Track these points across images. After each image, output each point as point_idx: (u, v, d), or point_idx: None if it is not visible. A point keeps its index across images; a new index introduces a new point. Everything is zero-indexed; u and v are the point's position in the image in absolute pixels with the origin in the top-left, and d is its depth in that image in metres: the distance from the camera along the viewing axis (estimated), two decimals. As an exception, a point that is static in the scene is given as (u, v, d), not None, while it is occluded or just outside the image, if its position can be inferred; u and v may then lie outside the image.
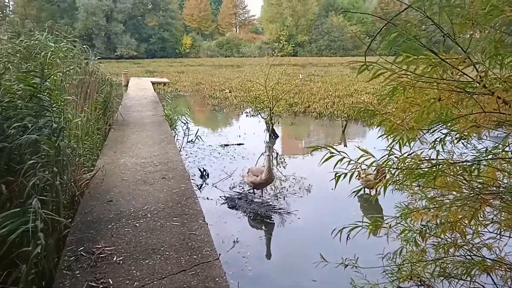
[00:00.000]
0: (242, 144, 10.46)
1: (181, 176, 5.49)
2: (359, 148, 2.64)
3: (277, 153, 9.43)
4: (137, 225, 3.97)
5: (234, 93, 19.77)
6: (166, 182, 5.24)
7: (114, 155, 6.53)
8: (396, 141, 2.40)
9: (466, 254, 2.50)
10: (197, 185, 7.47)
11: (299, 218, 6.03)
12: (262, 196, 6.85)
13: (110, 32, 60.21)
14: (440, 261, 2.38)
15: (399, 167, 2.25)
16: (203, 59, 59.20)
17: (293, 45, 11.97)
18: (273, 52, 11.85)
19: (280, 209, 6.37)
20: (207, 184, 7.53)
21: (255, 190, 6.86)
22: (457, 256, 2.42)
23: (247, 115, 14.86)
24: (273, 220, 6.02)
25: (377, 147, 9.75)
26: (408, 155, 2.40)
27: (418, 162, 2.26)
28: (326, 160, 2.37)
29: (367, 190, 7.08)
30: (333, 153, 2.43)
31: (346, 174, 2.45)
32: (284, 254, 5.13)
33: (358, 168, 2.46)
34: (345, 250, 5.20)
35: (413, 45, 1.91)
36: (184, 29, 73.79)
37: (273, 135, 11.18)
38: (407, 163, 2.26)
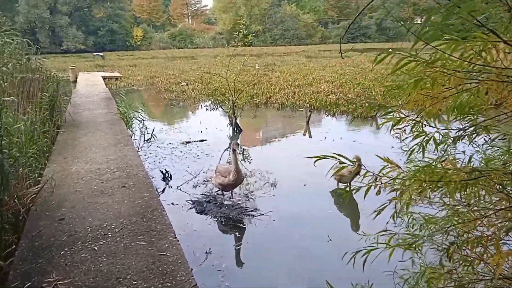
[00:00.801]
0: (205, 140, 9.90)
1: (144, 184, 4.91)
2: (382, 158, 2.19)
3: (243, 148, 8.95)
4: (96, 248, 3.38)
5: (191, 85, 19.05)
6: (127, 191, 4.64)
7: (65, 162, 5.82)
8: (420, 143, 1.96)
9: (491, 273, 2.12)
10: (157, 190, 6.88)
11: (274, 220, 5.60)
12: (232, 198, 6.36)
13: (55, 25, 57.09)
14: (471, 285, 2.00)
15: (428, 178, 1.83)
16: (155, 51, 57.45)
17: (253, 34, 11.32)
18: (228, 43, 11.29)
19: (252, 211, 5.92)
20: (171, 187, 6.95)
21: (223, 191, 6.35)
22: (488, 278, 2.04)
23: (207, 109, 14.24)
24: (246, 224, 5.55)
25: (345, 138, 9.49)
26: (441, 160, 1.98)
27: (453, 170, 1.84)
28: (338, 171, 1.91)
29: (340, 185, 6.75)
30: (343, 163, 1.98)
31: (369, 188, 2.00)
32: (263, 263, 4.68)
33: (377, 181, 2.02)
34: (330, 259, 4.87)
35: (452, 28, 1.47)
36: (134, 20, 71.24)
37: (236, 129, 10.68)
38: (434, 171, 1.84)
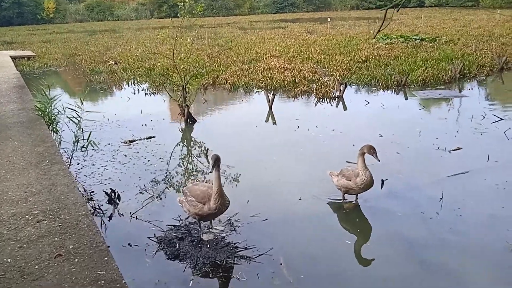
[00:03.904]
0: (153, 137, 7.97)
1: (92, 245, 3.06)
2: None
3: (207, 149, 7.18)
4: None
5: (121, 64, 16.54)
6: (66, 266, 2.79)
7: (-43, 203, 3.75)
8: None
9: None
10: (99, 210, 5.03)
11: (281, 264, 4.02)
12: (212, 229, 4.67)
13: None
14: None
15: None
16: (72, 25, 51.91)
17: (202, 5, 9.09)
18: (152, 15, 9.20)
19: (246, 248, 4.29)
20: (122, 215, 5.09)
21: (200, 221, 4.62)
22: None
23: (146, 93, 12.08)
24: (243, 274, 3.92)
25: (320, 126, 7.77)
26: None
27: None
28: None
29: (348, 197, 5.28)
30: None
31: None
32: None
33: None
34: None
35: None
36: (44, -10, 64.04)
37: (189, 120, 8.82)
38: None
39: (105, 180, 6.06)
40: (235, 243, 4.38)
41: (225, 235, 4.55)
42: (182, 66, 8.48)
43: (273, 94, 9.87)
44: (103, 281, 2.59)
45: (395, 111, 9.50)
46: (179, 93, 9.14)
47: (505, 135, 7.34)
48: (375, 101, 10.18)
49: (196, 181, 4.70)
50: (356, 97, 10.82)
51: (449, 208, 4.93)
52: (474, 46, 16.58)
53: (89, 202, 5.37)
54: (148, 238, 4.50)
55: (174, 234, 4.55)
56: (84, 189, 5.78)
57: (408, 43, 18.97)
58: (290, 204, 5.24)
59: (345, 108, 9.94)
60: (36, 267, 2.77)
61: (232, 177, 6.00)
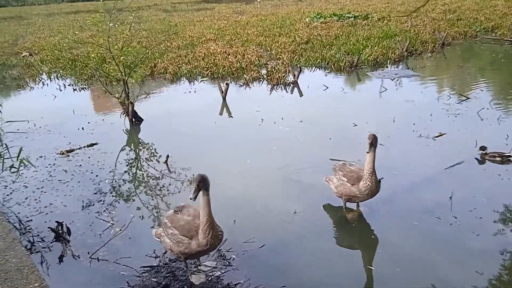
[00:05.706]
0: (95, 143, 6.69)
1: None
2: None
3: (167, 156, 6.04)
4: None
5: (37, 55, 14.45)
6: None
7: None
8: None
9: None
10: (45, 252, 3.87)
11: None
12: (200, 265, 3.72)
13: None
14: None
15: None
16: (-31, 12, 46.18)
17: None
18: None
19: (251, 290, 3.41)
20: (77, 257, 3.95)
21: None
22: None
23: (74, 89, 10.47)
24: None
25: (286, 118, 6.67)
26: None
27: None
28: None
29: (350, 204, 4.56)
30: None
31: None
32: None
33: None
34: None
35: None
36: None
37: (135, 120, 7.59)
38: None
39: (45, 207, 4.81)
40: (235, 284, 3.48)
41: (219, 273, 3.62)
42: (122, 57, 7.20)
43: (226, 84, 8.86)
44: None
45: (358, 95, 8.96)
46: (119, 88, 7.83)
47: (478, 116, 7.05)
48: (332, 85, 9.56)
49: (180, 206, 3.62)
50: (311, 82, 10.12)
51: (464, 208, 4.39)
52: (409, 23, 16.60)
53: (23, 237, 4.18)
54: (120, 289, 3.46)
55: (155, 280, 3.54)
56: (20, 221, 4.54)
57: (342, 21, 18.62)
58: (285, 221, 4.39)
59: (301, 95, 9.20)
60: None
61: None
